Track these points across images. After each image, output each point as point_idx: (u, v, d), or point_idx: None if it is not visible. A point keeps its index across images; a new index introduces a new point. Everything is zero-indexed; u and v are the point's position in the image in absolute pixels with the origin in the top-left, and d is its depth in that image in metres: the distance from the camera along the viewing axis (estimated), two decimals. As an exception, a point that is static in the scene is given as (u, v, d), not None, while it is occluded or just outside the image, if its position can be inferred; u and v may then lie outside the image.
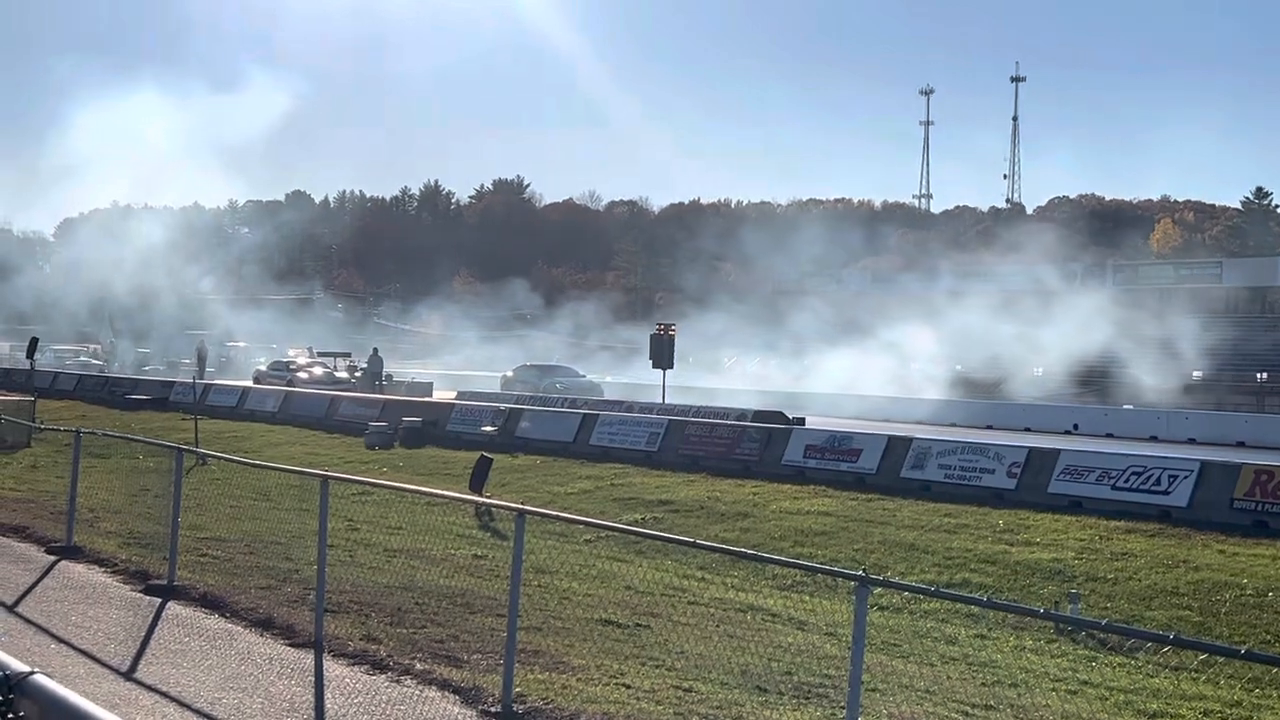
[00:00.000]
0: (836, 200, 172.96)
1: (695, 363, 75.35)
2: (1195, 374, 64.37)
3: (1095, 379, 64.08)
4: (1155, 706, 12.99)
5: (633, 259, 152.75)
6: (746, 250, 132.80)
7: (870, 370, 67.25)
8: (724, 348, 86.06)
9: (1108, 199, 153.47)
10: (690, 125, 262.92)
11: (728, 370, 78.52)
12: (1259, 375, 63.42)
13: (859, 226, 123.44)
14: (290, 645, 13.71)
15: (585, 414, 37.70)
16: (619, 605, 16.34)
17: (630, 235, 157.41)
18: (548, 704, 11.38)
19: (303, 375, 60.56)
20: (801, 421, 38.90)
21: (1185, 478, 23.69)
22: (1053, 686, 13.68)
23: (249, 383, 57.31)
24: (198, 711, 11.22)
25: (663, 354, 50.65)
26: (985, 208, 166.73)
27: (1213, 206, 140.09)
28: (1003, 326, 69.07)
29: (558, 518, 15.45)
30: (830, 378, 65.95)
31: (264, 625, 14.54)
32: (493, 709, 11.33)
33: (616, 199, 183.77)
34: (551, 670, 12.61)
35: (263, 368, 65.32)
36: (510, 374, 63.71)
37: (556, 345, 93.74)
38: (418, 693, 11.89)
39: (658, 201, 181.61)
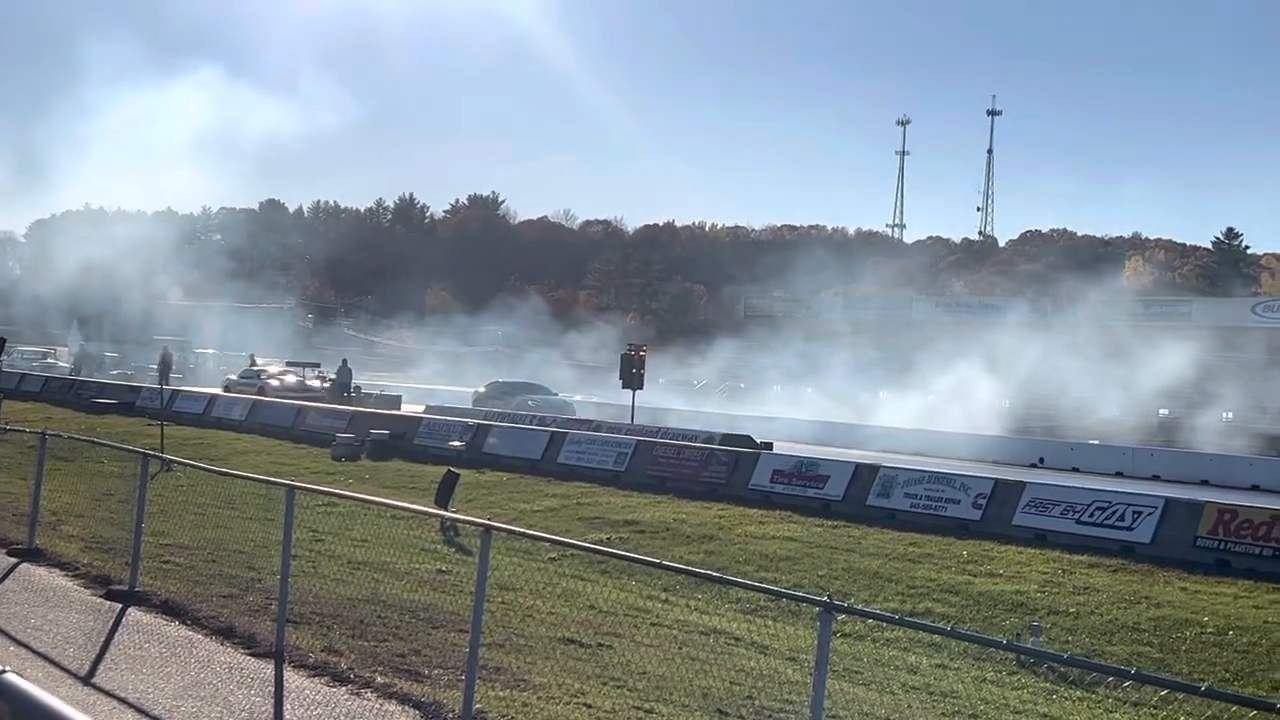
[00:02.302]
0: (810, 227, 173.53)
1: (666, 384, 75.39)
2: (1161, 411, 64.70)
3: (1057, 415, 64.21)
4: (1114, 741, 13.04)
5: (606, 278, 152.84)
6: (719, 274, 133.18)
7: (829, 397, 67.51)
8: (697, 369, 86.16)
9: (1079, 234, 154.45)
10: (667, 148, 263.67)
11: (698, 392, 78.43)
12: (1225, 415, 63.84)
13: (832, 253, 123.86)
14: (251, 654, 13.64)
15: (554, 432, 37.67)
16: (582, 624, 16.31)
17: (604, 254, 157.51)
18: (508, 721, 11.35)
19: (274, 384, 59.37)
20: (769, 446, 38.93)
21: (1149, 514, 23.80)
22: (1013, 718, 13.71)
23: (216, 390, 56.87)
24: (155, 718, 11.16)
25: (632, 374, 50.66)
26: (958, 239, 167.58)
27: (1184, 245, 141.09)
28: (972, 358, 69.25)
29: (524, 535, 15.42)
30: (797, 405, 66.02)
31: (225, 634, 14.47)
32: (453, 725, 11.29)
33: (591, 218, 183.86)
34: (513, 688, 12.58)
35: (233, 376, 63.97)
36: (482, 389, 63.19)
37: (546, 363, 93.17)
38: (378, 706, 11.84)
39: (632, 222, 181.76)
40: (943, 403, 64.82)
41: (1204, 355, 66.26)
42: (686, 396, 74.68)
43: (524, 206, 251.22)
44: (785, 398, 72.74)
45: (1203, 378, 66.42)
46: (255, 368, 64.04)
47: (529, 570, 19.60)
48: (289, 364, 67.92)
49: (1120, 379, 66.06)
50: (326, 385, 61.29)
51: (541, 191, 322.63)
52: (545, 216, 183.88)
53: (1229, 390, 65.40)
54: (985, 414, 61.34)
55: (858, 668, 15.42)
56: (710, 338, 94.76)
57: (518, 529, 16.22)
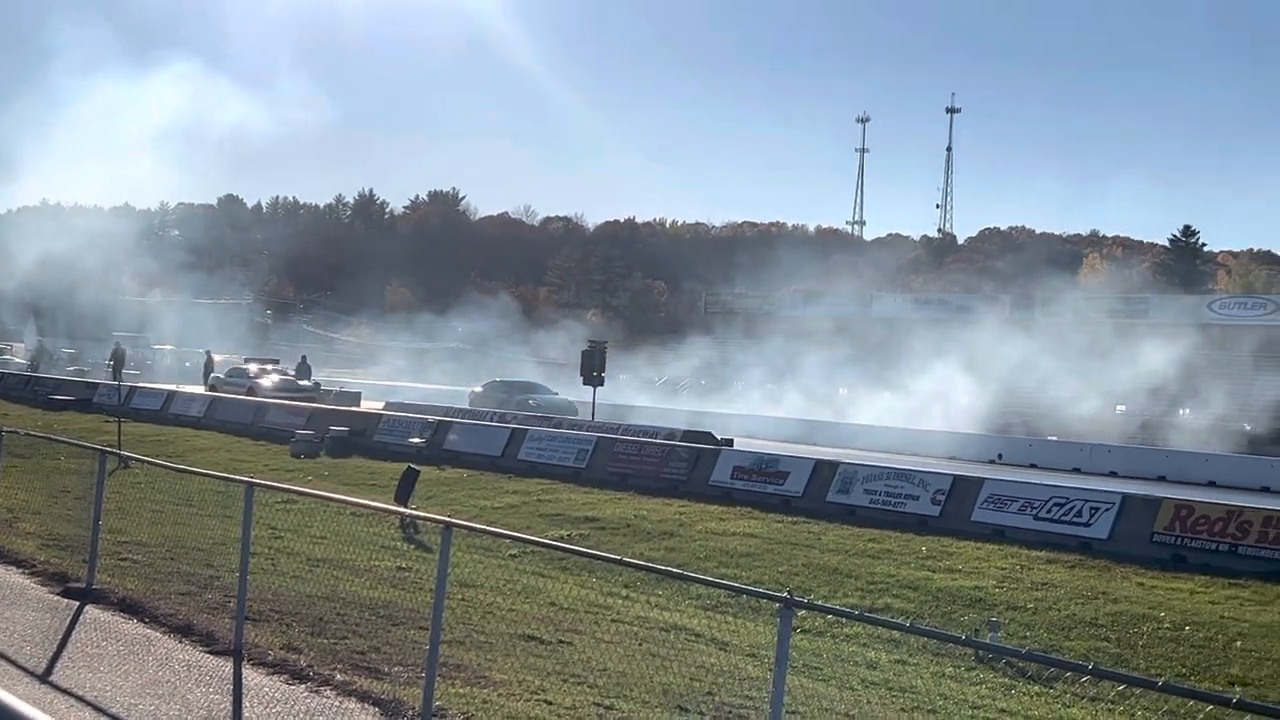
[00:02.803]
0: (771, 224, 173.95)
1: (634, 382, 75.37)
2: (1119, 408, 65.08)
3: (1024, 411, 64.36)
4: (1072, 736, 13.12)
5: (566, 275, 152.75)
6: (680, 271, 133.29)
7: (791, 394, 67.60)
8: (670, 367, 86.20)
9: (1038, 232, 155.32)
10: (628, 144, 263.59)
11: (666, 390, 78.42)
12: (1182, 411, 64.33)
13: (793, 251, 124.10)
14: (209, 652, 13.58)
15: (514, 428, 37.65)
16: (542, 621, 16.30)
17: (565, 251, 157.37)
18: (468, 718, 11.34)
19: (264, 383, 56.82)
20: (730, 442, 39.00)
21: (1107, 510, 23.97)
22: (971, 714, 13.79)
23: (172, 386, 56.16)
24: (113, 716, 11.10)
25: (593, 370, 50.67)
26: (917, 236, 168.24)
27: (1141, 243, 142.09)
28: (944, 356, 69.39)
29: (484, 531, 15.39)
30: (753, 401, 66.10)
31: (183, 631, 14.40)
32: (413, 722, 11.27)
33: (552, 214, 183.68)
34: (473, 684, 12.56)
35: (220, 375, 61.43)
36: (479, 389, 60.40)
37: (512, 360, 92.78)
38: (337, 704, 11.80)
39: (593, 218, 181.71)
40: (913, 400, 64.86)
41: (1174, 352, 66.33)
42: (656, 394, 74.68)
43: (484, 203, 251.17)
44: (758, 396, 72.84)
45: (1184, 374, 66.59)
46: (243, 367, 61.92)
47: (489, 567, 19.58)
48: (246, 360, 66.92)
49: (1093, 376, 66.20)
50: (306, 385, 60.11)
51: (502, 188, 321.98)
52: (506, 213, 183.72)
53: (1200, 387, 65.74)
54: (959, 412, 61.25)
55: (818, 663, 15.46)
56: (681, 336, 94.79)
57: (478, 526, 16.22)
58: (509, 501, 29.28)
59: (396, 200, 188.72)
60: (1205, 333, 71.91)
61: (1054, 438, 53.32)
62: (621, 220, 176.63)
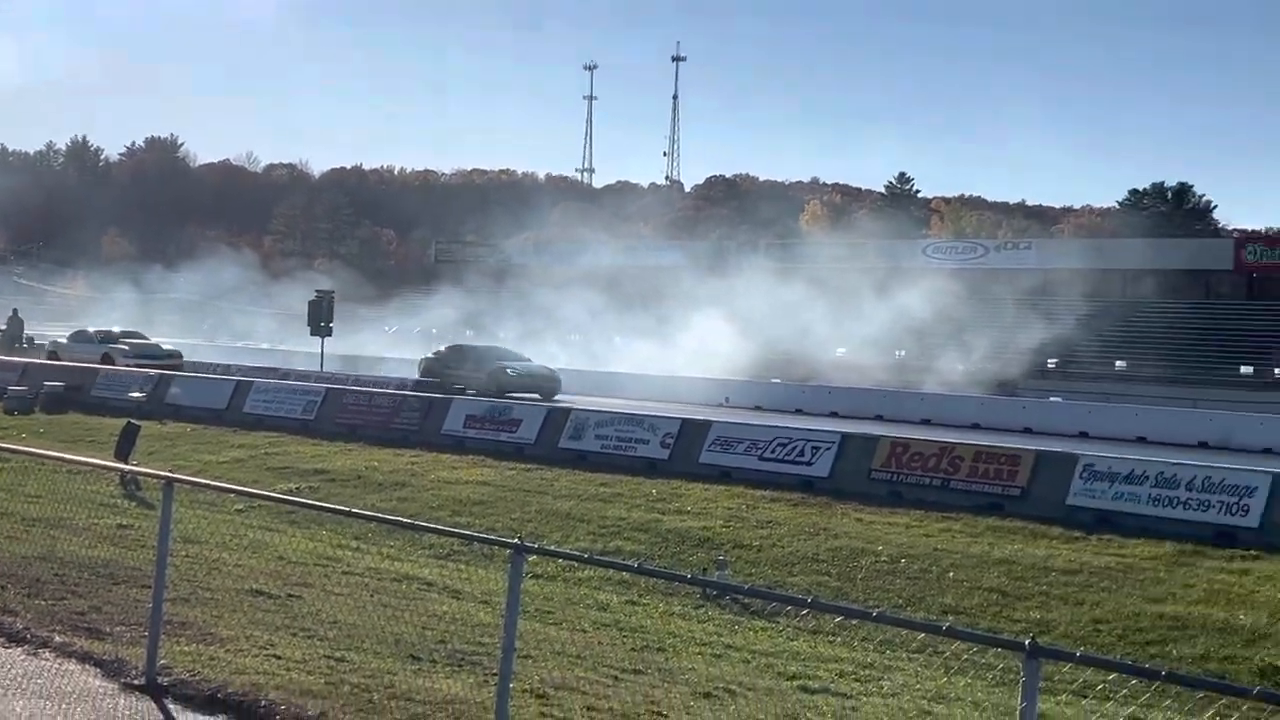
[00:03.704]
0: (500, 172, 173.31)
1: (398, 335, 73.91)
2: (839, 350, 66.58)
3: (782, 357, 64.85)
4: (795, 669, 13.53)
5: (292, 223, 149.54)
6: (408, 218, 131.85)
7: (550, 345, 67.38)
8: (388, 316, 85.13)
9: (761, 179, 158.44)
10: (353, 90, 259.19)
11: (388, 338, 77.28)
12: (897, 352, 66.28)
13: (522, 198, 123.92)
14: (-84, 618, 12.99)
15: (239, 380, 36.98)
16: (270, 575, 16.04)
17: (289, 199, 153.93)
18: (194, 675, 11.11)
19: (123, 347, 49.52)
20: (462, 391, 38.91)
21: (827, 449, 24.76)
22: (699, 650, 14.12)
23: None
24: None
25: (320, 321, 49.88)
26: (646, 184, 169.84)
27: (858, 190, 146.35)
28: (694, 302, 69.78)
29: (208, 486, 15.09)
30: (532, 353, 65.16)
31: (-113, 598, 13.73)
32: (136, 681, 10.99)
33: (275, 161, 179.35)
34: (199, 642, 12.31)
35: (63, 340, 53.81)
36: (436, 353, 49.17)
37: (241, 312, 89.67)
38: (56, 665, 11.43)
39: (319, 165, 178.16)
40: (670, 348, 64.50)
41: (918, 297, 67.45)
42: (416, 346, 72.86)
43: (205, 150, 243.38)
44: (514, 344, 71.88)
45: (940, 319, 67.75)
46: (91, 329, 55.04)
47: (215, 523, 19.14)
48: None
49: (846, 323, 66.80)
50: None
51: (223, 135, 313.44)
52: (227, 159, 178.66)
53: (900, 331, 67.34)
54: (718, 360, 60.52)
55: (550, 608, 15.62)
56: (433, 287, 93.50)
57: (202, 480, 15.87)
58: (235, 455, 28.72)
59: (112, 147, 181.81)
60: (960, 278, 73.54)
61: (777, 380, 54.41)
62: (349, 167, 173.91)
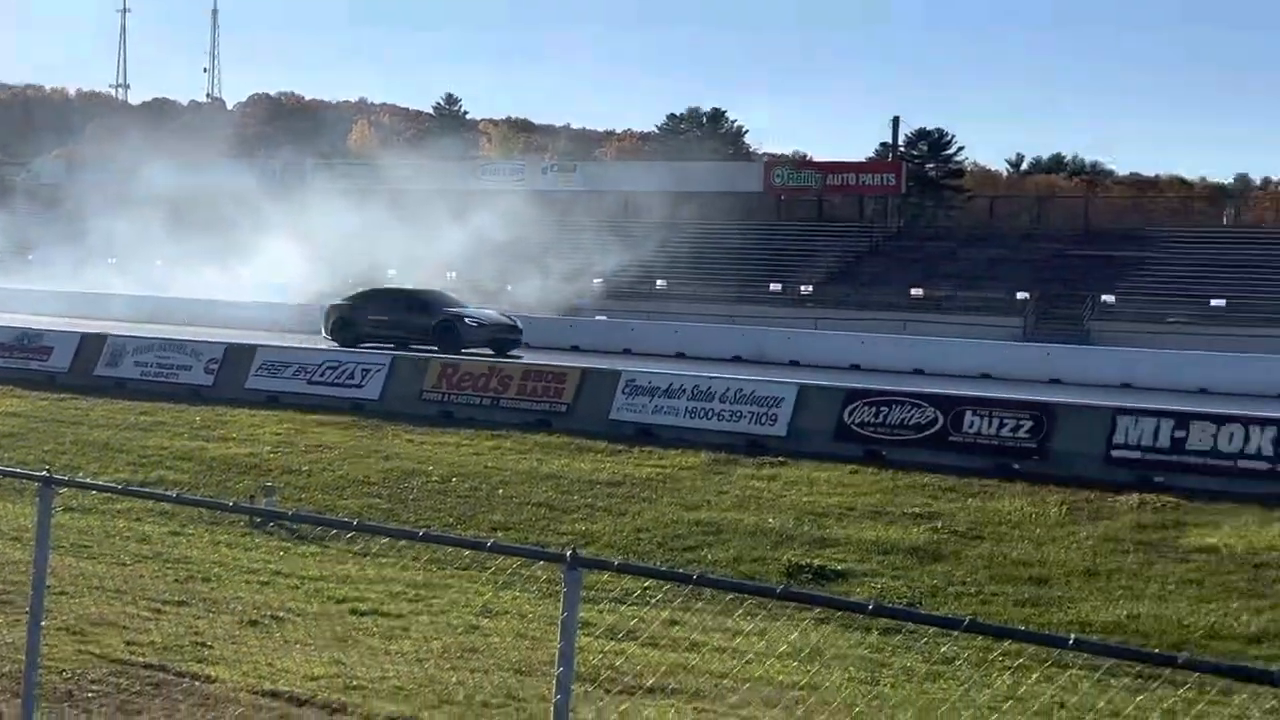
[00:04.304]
0: (27, 87, 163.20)
1: None
2: (450, 274, 64.83)
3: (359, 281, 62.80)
4: (344, 592, 13.49)
5: None
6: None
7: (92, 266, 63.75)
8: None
9: (308, 98, 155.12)
10: None
11: None
12: (449, 275, 66.33)
13: (51, 114, 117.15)
14: None
15: None
16: None
17: None
18: None
19: None
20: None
21: (378, 371, 24.74)
22: (246, 579, 13.89)
23: None
24: None
25: None
26: (186, 101, 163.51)
27: (407, 110, 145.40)
28: (257, 225, 67.15)
29: None
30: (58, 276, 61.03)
31: None
32: None
33: None
34: None
35: None
36: (350, 300, 37.60)
37: None
38: None
39: None
40: (235, 275, 61.38)
41: (489, 219, 66.83)
42: None
43: None
44: (57, 269, 66.77)
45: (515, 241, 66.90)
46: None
47: None
48: None
49: (420, 244, 65.35)
50: None
51: None
52: None
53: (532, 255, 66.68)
54: (289, 283, 57.39)
55: (87, 542, 15.02)
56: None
57: None
58: None
59: None
60: (510, 200, 73.43)
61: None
62: None
